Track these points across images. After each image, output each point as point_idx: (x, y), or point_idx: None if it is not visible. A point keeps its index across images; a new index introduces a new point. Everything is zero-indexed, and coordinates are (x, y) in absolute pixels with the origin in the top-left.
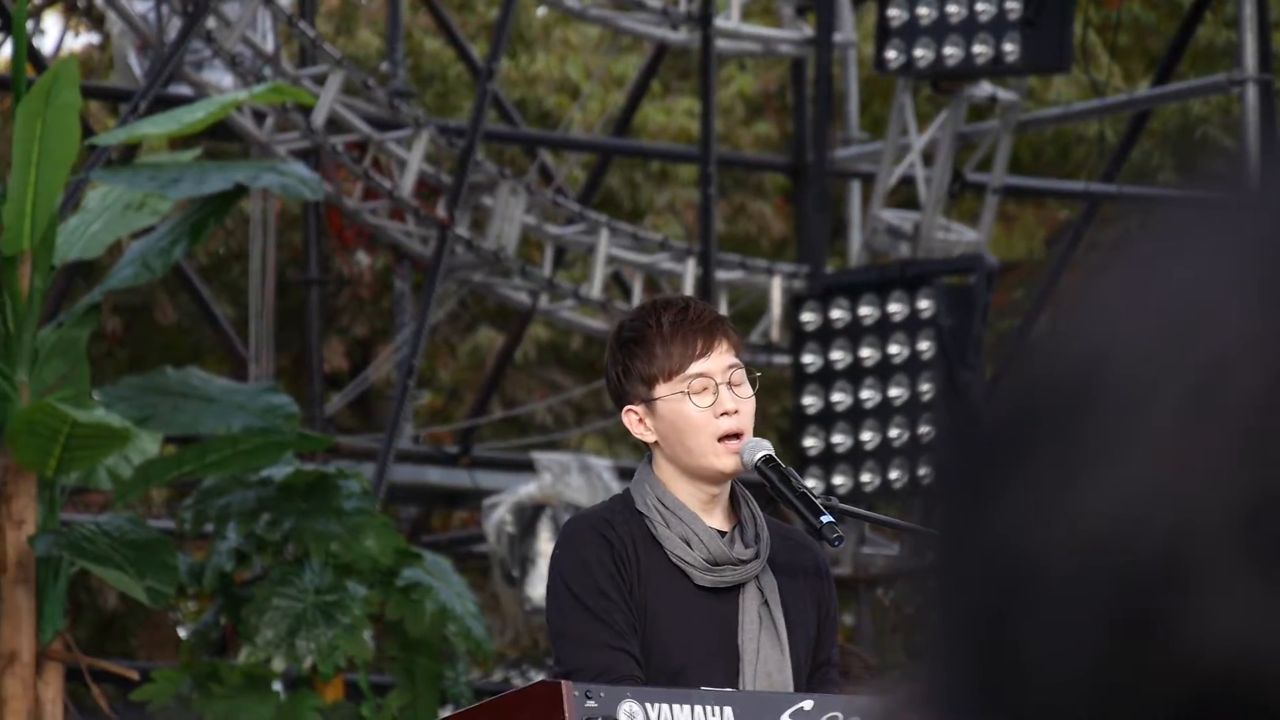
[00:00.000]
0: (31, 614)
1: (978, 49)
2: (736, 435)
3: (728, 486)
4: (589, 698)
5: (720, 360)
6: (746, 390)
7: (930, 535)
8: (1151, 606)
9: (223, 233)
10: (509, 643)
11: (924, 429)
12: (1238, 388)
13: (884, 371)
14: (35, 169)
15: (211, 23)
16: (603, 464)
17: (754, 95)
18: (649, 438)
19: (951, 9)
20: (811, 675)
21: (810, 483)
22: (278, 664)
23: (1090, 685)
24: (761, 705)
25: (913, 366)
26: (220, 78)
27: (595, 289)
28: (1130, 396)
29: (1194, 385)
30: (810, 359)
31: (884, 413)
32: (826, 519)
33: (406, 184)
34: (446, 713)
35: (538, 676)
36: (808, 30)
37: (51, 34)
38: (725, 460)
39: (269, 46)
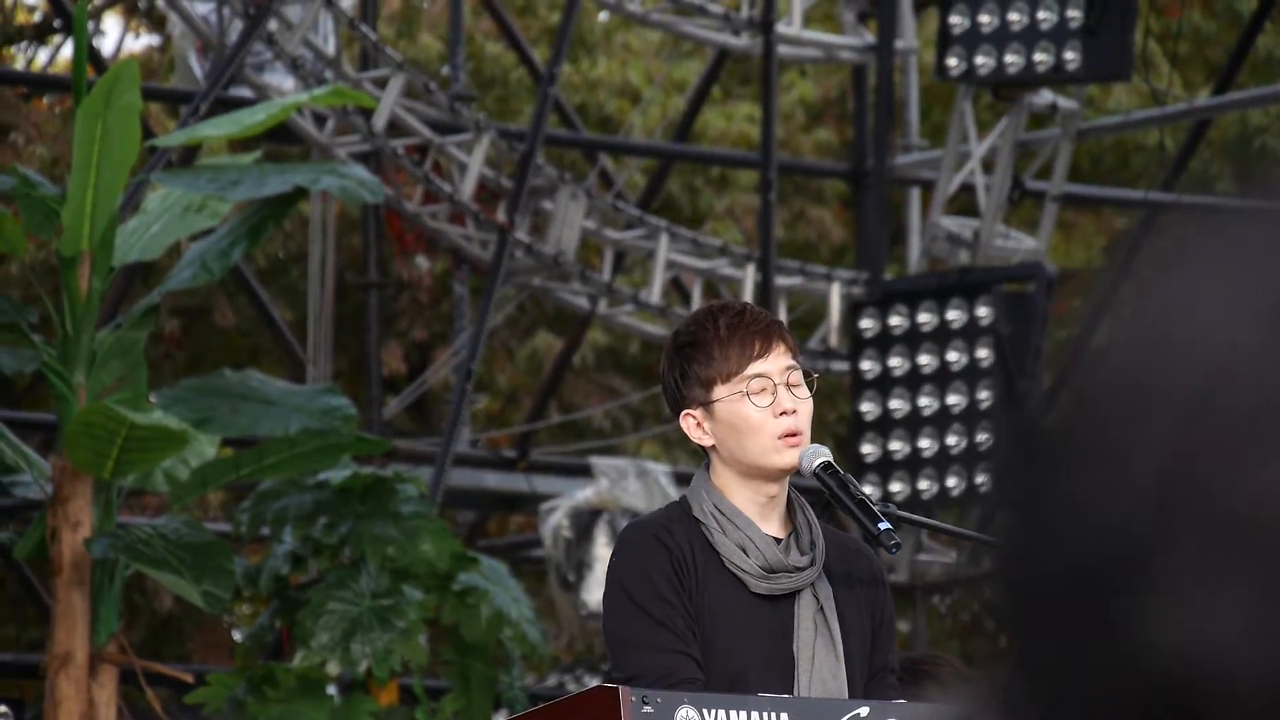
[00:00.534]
0: (86, 616)
1: (1039, 57)
2: (795, 434)
3: (784, 493)
4: (645, 703)
5: (778, 361)
6: (804, 391)
7: (989, 543)
8: (1114, 608)
9: (282, 235)
10: (564, 647)
11: (982, 437)
12: (1228, 402)
13: (942, 379)
14: (95, 170)
15: (273, 25)
16: (660, 469)
17: (814, 101)
18: (707, 442)
19: (1013, 17)
20: (869, 682)
21: (867, 489)
22: (333, 668)
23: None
24: (818, 711)
25: (971, 374)
26: (281, 80)
27: (654, 294)
28: (1137, 405)
29: (1191, 396)
30: (868, 365)
31: (942, 420)
32: (884, 526)
33: (466, 188)
34: (501, 717)
35: (592, 682)
36: (869, 37)
37: (112, 35)
38: (786, 455)
39: (330, 49)
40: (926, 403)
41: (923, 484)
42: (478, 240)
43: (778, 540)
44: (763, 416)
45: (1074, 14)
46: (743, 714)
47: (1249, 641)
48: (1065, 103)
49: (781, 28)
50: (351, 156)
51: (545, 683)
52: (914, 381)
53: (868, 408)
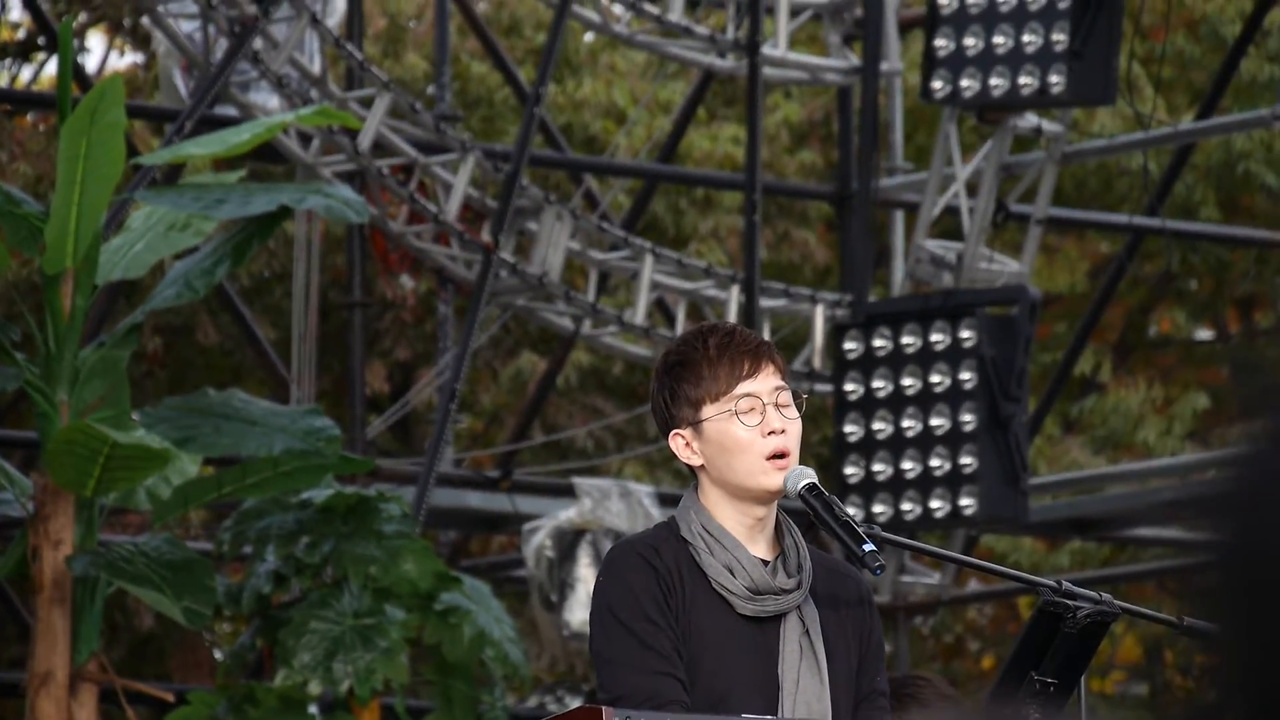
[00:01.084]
0: (67, 634)
1: (1023, 80)
2: (783, 455)
3: (773, 515)
4: None
5: (767, 382)
6: (793, 412)
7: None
8: None
9: (266, 254)
10: (546, 668)
11: (966, 460)
12: None
13: (925, 401)
14: (79, 188)
15: (258, 44)
16: (643, 490)
17: (799, 123)
18: (695, 461)
19: (998, 40)
20: (858, 705)
21: (850, 511)
22: (314, 687)
23: None
24: None
25: (954, 396)
26: (266, 99)
27: (639, 315)
28: None
29: None
30: (852, 387)
31: (925, 442)
32: (869, 547)
33: (451, 208)
34: None
35: (574, 702)
36: (854, 59)
37: (96, 53)
38: (773, 478)
39: (316, 68)
40: (910, 424)
41: (905, 505)
42: (462, 260)
43: (765, 562)
44: (751, 436)
45: (1059, 37)
46: None
47: None
48: (1050, 126)
49: (767, 49)
50: (336, 176)
51: (526, 703)
52: (897, 403)
53: (851, 429)
